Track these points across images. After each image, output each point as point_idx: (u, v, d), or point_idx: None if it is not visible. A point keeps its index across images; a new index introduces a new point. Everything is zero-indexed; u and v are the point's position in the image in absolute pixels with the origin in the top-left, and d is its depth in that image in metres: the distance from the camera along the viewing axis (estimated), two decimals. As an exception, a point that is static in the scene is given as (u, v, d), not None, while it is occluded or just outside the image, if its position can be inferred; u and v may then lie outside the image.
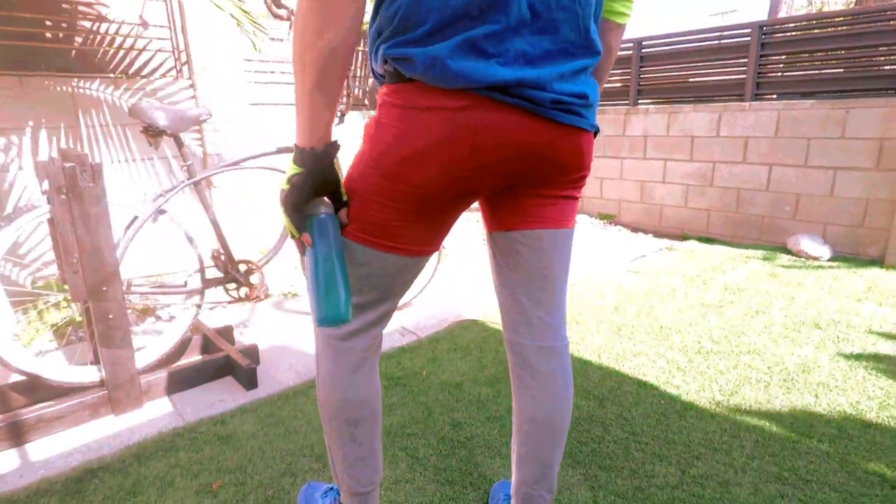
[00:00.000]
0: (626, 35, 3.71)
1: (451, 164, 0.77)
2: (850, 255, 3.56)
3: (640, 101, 4.58)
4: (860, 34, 3.52)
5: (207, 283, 1.94)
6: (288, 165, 0.81)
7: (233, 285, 2.04)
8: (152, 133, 1.71)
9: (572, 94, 0.78)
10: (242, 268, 2.05)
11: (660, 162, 4.47)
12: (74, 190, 1.51)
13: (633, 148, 4.62)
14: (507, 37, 0.72)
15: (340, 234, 0.87)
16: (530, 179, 0.84)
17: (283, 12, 2.08)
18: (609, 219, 4.88)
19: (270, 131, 3.64)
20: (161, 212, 1.80)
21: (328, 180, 0.82)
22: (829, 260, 3.51)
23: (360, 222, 0.86)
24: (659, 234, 4.47)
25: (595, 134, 0.87)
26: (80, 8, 2.85)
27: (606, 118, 4.75)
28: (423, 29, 0.72)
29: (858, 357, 2.02)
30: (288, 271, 3.34)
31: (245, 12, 2.77)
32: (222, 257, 2.00)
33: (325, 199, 0.86)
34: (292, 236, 0.86)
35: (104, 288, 1.62)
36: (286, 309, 2.70)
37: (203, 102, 3.26)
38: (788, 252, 3.68)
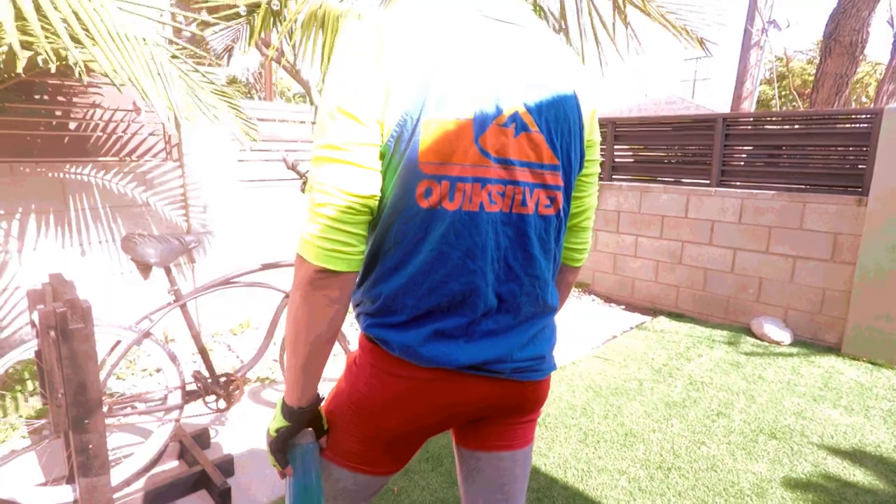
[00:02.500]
0: (602, 114, 3.90)
1: (418, 417, 0.87)
2: (809, 341, 3.74)
3: (614, 177, 4.80)
4: (813, 134, 3.78)
5: (187, 399, 1.99)
6: (275, 415, 0.90)
7: (212, 398, 2.09)
8: (143, 267, 1.79)
9: (531, 358, 0.90)
10: (223, 380, 2.10)
11: (632, 237, 4.66)
12: (64, 332, 1.57)
13: (606, 221, 4.82)
14: (475, 322, 0.83)
15: (319, 454, 0.96)
16: (494, 416, 0.95)
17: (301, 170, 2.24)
18: (583, 287, 5.03)
19: (258, 208, 3.72)
20: (146, 335, 1.86)
21: (313, 425, 0.90)
22: (790, 345, 3.68)
23: (336, 449, 0.94)
24: (631, 307, 4.62)
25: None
26: (75, 99, 2.94)
27: (582, 191, 4.95)
28: (398, 318, 0.82)
29: (808, 481, 2.14)
30: (267, 354, 3.38)
31: (235, 108, 2.88)
32: (203, 374, 2.05)
33: (310, 428, 0.94)
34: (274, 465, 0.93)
35: (86, 421, 1.66)
36: (263, 400, 2.73)
37: (191, 182, 3.34)
38: (752, 335, 3.85)
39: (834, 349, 3.59)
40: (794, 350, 3.58)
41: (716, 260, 4.17)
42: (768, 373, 3.19)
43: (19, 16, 1.55)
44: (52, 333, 1.59)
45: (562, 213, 0.88)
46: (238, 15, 3.59)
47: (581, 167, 0.90)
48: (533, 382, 0.92)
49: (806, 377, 3.13)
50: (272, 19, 3.26)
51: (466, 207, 0.77)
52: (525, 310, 0.87)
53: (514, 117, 0.78)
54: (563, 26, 3.20)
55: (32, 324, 1.72)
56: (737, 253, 4.06)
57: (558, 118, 0.82)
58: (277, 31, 3.35)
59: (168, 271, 1.91)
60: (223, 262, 3.50)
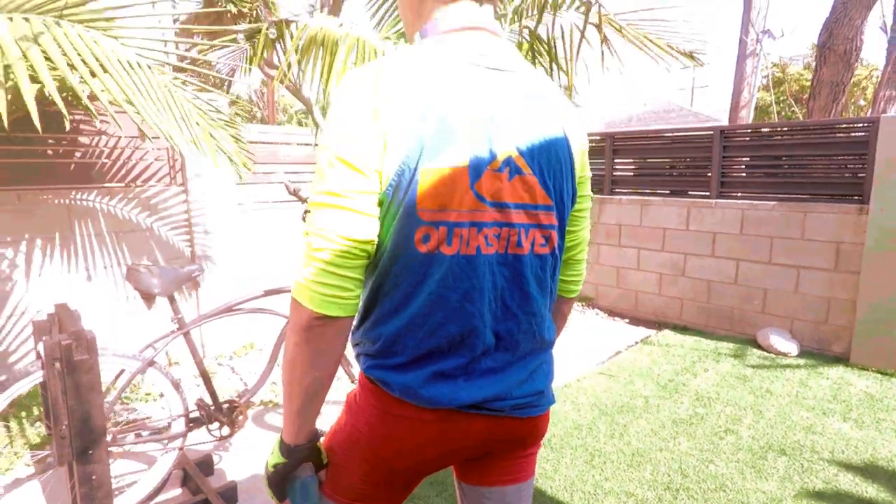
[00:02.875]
0: (598, 129, 3.93)
1: (419, 455, 0.87)
2: (816, 352, 3.71)
3: (614, 191, 4.81)
4: (811, 143, 3.79)
5: (191, 427, 1.99)
6: (273, 450, 0.90)
7: (216, 425, 2.09)
8: (147, 297, 1.80)
9: (530, 395, 0.90)
10: (226, 407, 2.10)
11: (634, 250, 4.66)
12: (69, 363, 1.57)
13: (608, 234, 4.82)
14: (474, 361, 0.84)
15: (318, 489, 0.95)
16: (495, 452, 0.94)
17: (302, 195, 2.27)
18: (587, 301, 5.02)
19: (261, 231, 3.75)
20: (150, 363, 1.87)
21: (312, 459, 0.90)
22: (797, 356, 3.65)
23: (335, 484, 0.94)
24: (636, 320, 4.60)
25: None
26: (82, 126, 2.98)
27: (583, 205, 4.96)
28: (398, 360, 0.82)
29: (820, 499, 2.11)
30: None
31: (238, 140, 2.91)
32: (207, 402, 2.05)
33: (309, 462, 0.94)
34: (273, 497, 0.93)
35: (90, 452, 1.66)
36: (267, 424, 2.72)
37: (195, 207, 3.37)
38: (758, 346, 3.82)
39: (842, 359, 3.56)
40: (802, 361, 3.55)
41: (719, 271, 4.16)
42: (776, 386, 3.16)
43: (29, 54, 1.59)
44: (57, 365, 1.60)
45: (557, 251, 0.89)
46: (236, 41, 3.65)
47: (573, 203, 0.93)
48: (533, 418, 0.92)
49: (814, 389, 3.11)
50: (274, 42, 3.31)
51: (464, 251, 0.79)
52: (523, 347, 0.88)
53: (508, 161, 0.80)
54: (553, 49, 3.25)
55: (38, 355, 1.73)
56: (739, 264, 4.05)
57: (550, 159, 0.84)
58: (278, 54, 3.41)
59: (172, 300, 1.92)
60: (227, 286, 3.52)
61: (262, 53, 3.31)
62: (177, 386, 1.94)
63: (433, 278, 0.79)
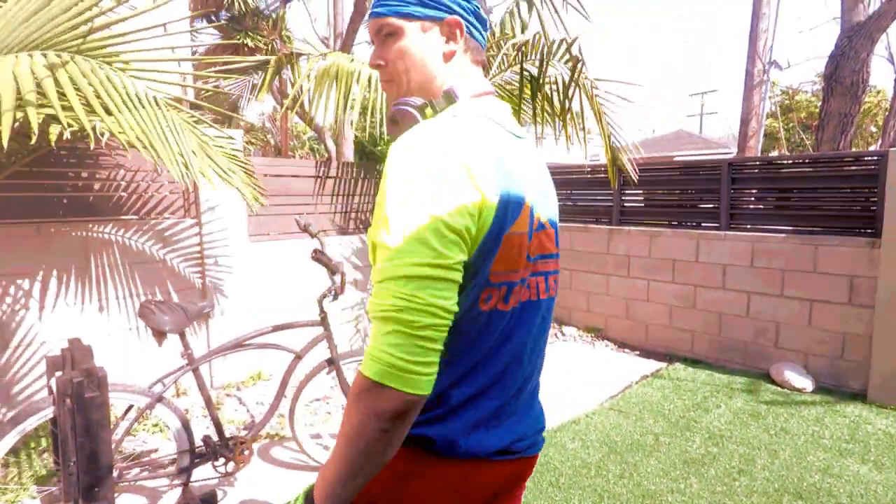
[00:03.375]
0: (603, 158, 3.98)
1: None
2: (833, 388, 3.63)
3: (623, 221, 4.81)
4: (821, 176, 3.79)
5: (196, 463, 1.99)
6: None
7: (221, 461, 2.09)
8: (158, 334, 1.83)
9: (537, 432, 0.95)
10: (232, 443, 2.10)
11: (643, 281, 4.63)
12: (80, 400, 1.60)
13: (617, 266, 4.80)
14: (505, 404, 0.87)
15: None
16: (502, 493, 0.95)
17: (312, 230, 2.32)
18: (596, 332, 4.97)
19: (271, 263, 3.79)
20: (158, 399, 1.88)
21: None
22: (812, 392, 3.58)
23: None
24: (646, 352, 4.55)
25: None
26: (101, 160, 3.07)
27: (591, 236, 4.97)
28: (439, 411, 0.82)
29: (837, 541, 2.05)
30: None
31: (249, 173, 2.98)
32: (213, 439, 2.05)
33: None
34: None
35: (96, 489, 1.67)
36: (272, 458, 2.71)
37: (207, 239, 3.43)
38: (772, 382, 3.75)
39: (859, 396, 3.48)
40: (817, 398, 3.48)
41: (730, 304, 4.12)
42: (791, 424, 3.09)
43: (49, 92, 1.65)
44: (68, 401, 1.62)
45: (556, 292, 0.99)
46: (247, 71, 3.78)
47: None
48: (536, 455, 0.96)
49: (831, 428, 3.03)
50: (280, 70, 3.44)
51: (514, 305, 0.85)
52: (532, 384, 0.94)
53: (542, 221, 0.90)
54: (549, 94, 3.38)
55: (50, 390, 1.75)
56: (751, 297, 4.01)
57: (553, 213, 0.96)
58: (287, 83, 3.55)
59: (182, 336, 1.95)
60: (237, 318, 3.55)
61: (270, 83, 3.46)
62: (184, 421, 1.95)
63: (490, 334, 0.83)
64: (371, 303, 0.74)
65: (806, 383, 3.61)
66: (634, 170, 3.90)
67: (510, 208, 0.79)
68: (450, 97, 0.89)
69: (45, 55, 1.76)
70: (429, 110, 0.89)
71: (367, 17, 0.97)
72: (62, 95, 1.73)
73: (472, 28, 0.92)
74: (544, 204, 0.91)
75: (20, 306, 2.81)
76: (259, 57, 3.54)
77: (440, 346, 0.73)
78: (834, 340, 3.64)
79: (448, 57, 0.90)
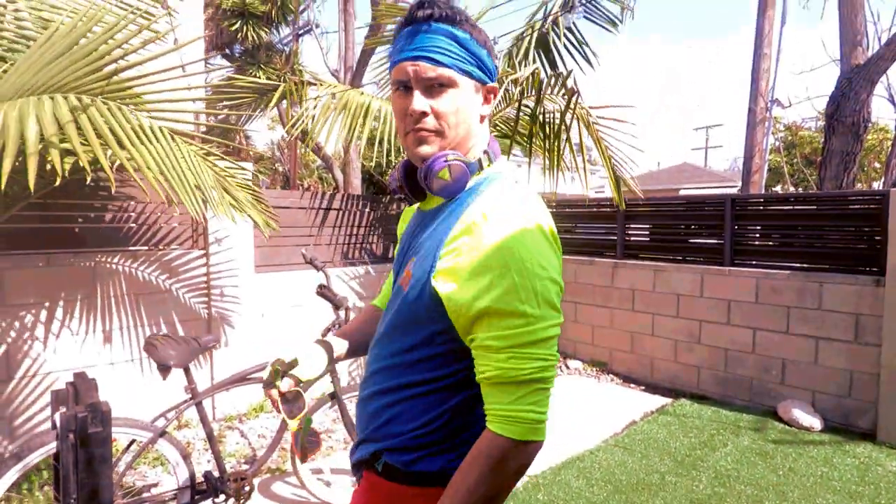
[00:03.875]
0: (608, 191, 4.02)
1: None
2: (841, 427, 3.57)
3: (627, 255, 4.83)
4: (824, 214, 3.81)
5: (196, 499, 1.97)
6: None
7: (221, 497, 2.07)
8: (163, 369, 1.85)
9: None
10: (233, 480, 2.09)
11: (648, 315, 4.62)
12: (83, 436, 1.61)
13: (622, 299, 4.80)
14: None
15: None
16: None
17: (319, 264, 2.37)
18: (601, 366, 4.94)
19: (276, 295, 3.82)
20: (161, 433, 1.88)
21: None
22: (821, 431, 3.52)
23: None
24: (651, 387, 4.50)
25: None
26: (114, 192, 3.13)
27: (595, 269, 4.98)
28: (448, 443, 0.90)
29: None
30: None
31: (260, 202, 3.04)
32: (214, 475, 2.05)
33: None
34: None
35: (96, 526, 1.66)
36: (272, 493, 2.68)
37: (214, 270, 3.47)
38: (780, 420, 3.70)
39: (868, 436, 3.42)
40: (826, 437, 3.42)
41: (735, 340, 4.09)
42: (799, 464, 3.04)
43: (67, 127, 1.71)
44: (71, 437, 1.63)
45: None
46: (258, 101, 3.89)
47: None
48: None
49: (840, 469, 2.98)
50: (295, 94, 3.55)
51: None
52: None
53: None
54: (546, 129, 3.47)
55: (53, 424, 1.76)
56: (756, 333, 3.99)
57: None
58: (289, 113, 3.68)
59: (187, 370, 1.96)
60: (242, 350, 3.55)
61: (277, 103, 3.60)
62: (185, 456, 1.95)
63: None
64: (502, 369, 0.79)
65: (814, 422, 3.56)
66: (637, 191, 3.97)
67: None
68: (489, 157, 0.95)
69: (66, 98, 1.83)
70: (479, 167, 0.94)
71: (407, 55, 0.89)
72: (81, 134, 1.80)
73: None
74: None
75: (27, 336, 2.84)
76: (269, 81, 3.66)
77: None
78: (841, 379, 3.60)
79: (482, 119, 0.95)
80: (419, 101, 0.87)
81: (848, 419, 3.58)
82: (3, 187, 1.42)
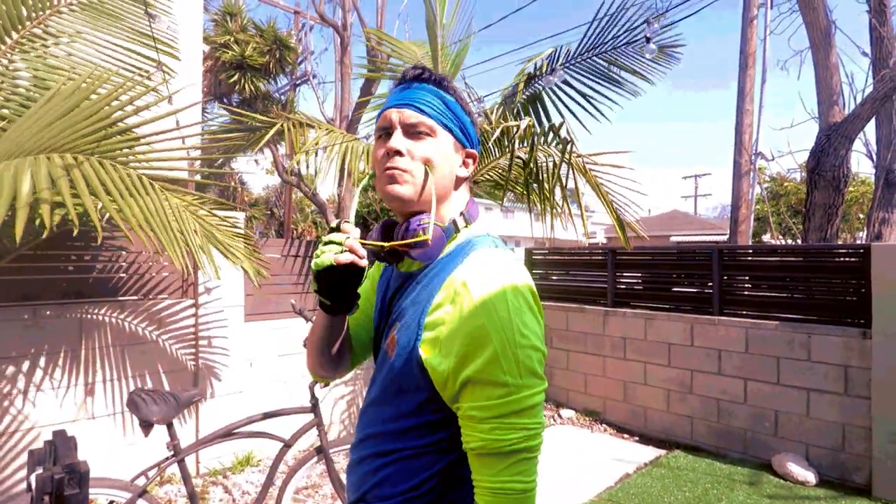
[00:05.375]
0: (600, 237, 4.07)
1: None
2: (836, 481, 3.51)
3: (617, 303, 4.85)
4: (809, 266, 3.88)
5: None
6: None
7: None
8: (145, 425, 1.82)
9: None
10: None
11: (640, 364, 4.60)
12: (59, 498, 1.56)
13: (613, 347, 4.79)
14: None
15: None
16: None
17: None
18: (594, 416, 4.87)
19: (264, 345, 3.78)
20: (140, 493, 1.84)
21: None
22: (816, 485, 3.46)
23: None
24: (645, 438, 4.43)
25: None
26: (104, 242, 3.14)
27: (587, 316, 4.99)
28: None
29: None
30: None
31: (251, 247, 3.06)
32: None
33: None
34: None
35: None
36: (256, 555, 2.58)
37: (203, 321, 3.45)
38: (774, 473, 3.64)
39: (864, 491, 3.37)
40: (821, 493, 3.36)
41: (727, 390, 4.07)
42: (795, 522, 2.97)
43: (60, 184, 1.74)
44: (47, 499, 1.58)
45: None
46: (251, 132, 3.98)
47: None
48: None
49: (837, 528, 2.91)
50: (293, 131, 3.63)
51: None
52: None
53: None
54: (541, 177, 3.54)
55: (28, 486, 1.72)
56: (748, 383, 3.97)
57: None
58: (283, 157, 3.74)
59: (170, 426, 1.93)
60: (228, 401, 3.49)
61: (269, 139, 3.66)
62: (165, 518, 1.89)
63: None
64: (486, 440, 0.79)
65: (808, 476, 3.51)
66: (641, 228, 3.97)
67: None
68: (465, 219, 0.95)
69: (62, 157, 1.88)
70: (455, 230, 0.93)
71: (392, 103, 0.92)
72: (72, 188, 1.83)
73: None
74: None
75: (7, 390, 2.78)
76: (267, 118, 3.76)
77: None
78: (834, 431, 3.57)
79: (460, 182, 0.96)
80: (397, 140, 0.89)
81: (843, 473, 3.53)
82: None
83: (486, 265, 0.85)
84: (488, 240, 0.92)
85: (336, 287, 0.86)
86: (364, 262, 0.84)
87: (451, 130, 0.93)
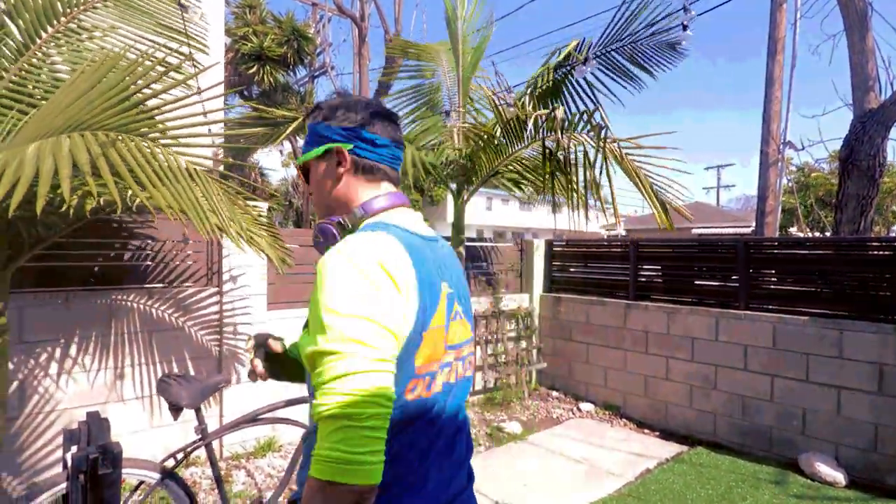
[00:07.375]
0: (619, 229, 4.02)
1: None
2: (867, 482, 3.42)
3: (639, 296, 4.78)
4: (839, 259, 3.76)
5: (202, 545, 1.94)
6: None
7: (227, 544, 2.04)
8: (175, 409, 1.85)
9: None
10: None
11: (662, 359, 4.54)
12: (94, 477, 1.60)
13: (635, 341, 4.73)
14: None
15: None
16: None
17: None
18: (614, 410, 4.83)
19: (287, 332, 3.81)
20: (170, 475, 1.87)
21: None
22: (845, 486, 3.38)
23: None
24: (666, 434, 4.37)
25: None
26: (135, 231, 3.20)
27: (607, 309, 4.94)
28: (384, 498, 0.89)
29: None
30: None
31: (276, 238, 3.08)
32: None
33: None
34: None
35: (100, 571, 1.63)
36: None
37: (227, 308, 3.49)
38: (801, 473, 3.56)
39: (896, 493, 3.28)
40: (851, 494, 3.28)
41: (753, 387, 3.99)
42: (823, 522, 2.91)
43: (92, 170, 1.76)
44: (82, 478, 1.62)
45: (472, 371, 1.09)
46: (271, 127, 4.00)
47: None
48: None
49: (867, 529, 2.84)
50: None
51: (436, 390, 0.94)
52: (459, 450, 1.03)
53: (457, 311, 1.01)
54: (569, 166, 3.47)
55: (65, 464, 1.76)
56: (774, 380, 3.89)
57: (468, 304, 1.08)
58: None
59: (198, 411, 1.96)
60: (252, 388, 3.54)
61: (289, 135, 3.68)
62: (192, 498, 1.92)
63: (416, 419, 0.91)
64: (314, 406, 0.77)
65: (838, 477, 3.42)
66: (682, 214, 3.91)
67: (428, 307, 0.90)
68: (360, 214, 1.02)
69: (95, 135, 1.89)
70: (340, 225, 1.02)
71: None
72: (115, 172, 1.85)
73: (359, 150, 1.03)
74: (459, 296, 1.02)
75: (40, 372, 2.86)
76: (286, 113, 3.78)
77: (385, 434, 0.78)
78: (865, 431, 3.48)
79: (339, 177, 1.04)
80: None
81: (874, 475, 3.43)
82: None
83: (336, 247, 0.89)
84: (370, 227, 0.97)
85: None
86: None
87: (317, 154, 1.04)
